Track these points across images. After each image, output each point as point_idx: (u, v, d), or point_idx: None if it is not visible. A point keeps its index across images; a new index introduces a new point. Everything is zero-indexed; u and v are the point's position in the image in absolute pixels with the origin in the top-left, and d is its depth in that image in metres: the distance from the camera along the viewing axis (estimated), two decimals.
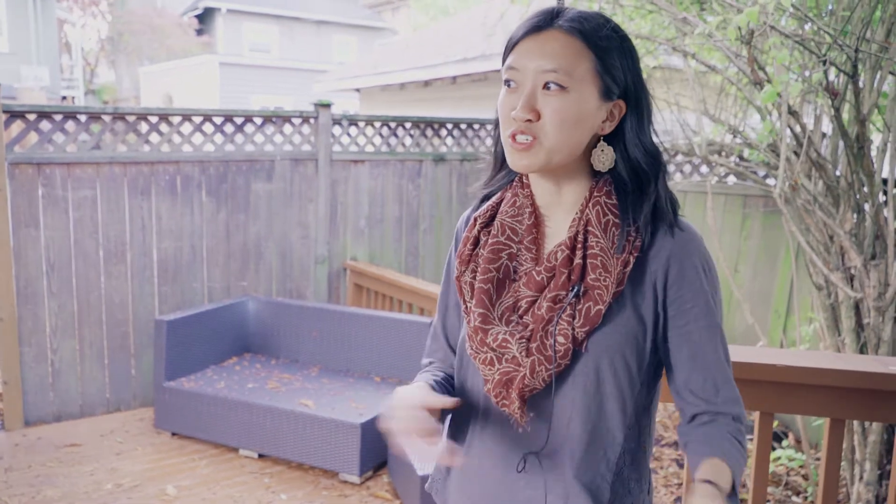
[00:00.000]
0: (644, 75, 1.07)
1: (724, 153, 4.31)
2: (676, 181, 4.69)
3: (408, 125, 5.09)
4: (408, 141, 5.13)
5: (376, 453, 3.48)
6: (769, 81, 2.78)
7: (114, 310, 4.15)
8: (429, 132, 5.21)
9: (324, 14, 21.31)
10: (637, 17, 4.28)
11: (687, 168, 4.71)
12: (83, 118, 3.97)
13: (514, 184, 1.13)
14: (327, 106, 4.66)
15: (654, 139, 1.07)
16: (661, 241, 1.04)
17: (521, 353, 1.03)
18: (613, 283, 1.01)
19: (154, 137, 4.20)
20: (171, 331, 3.83)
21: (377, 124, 4.97)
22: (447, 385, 1.20)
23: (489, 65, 6.81)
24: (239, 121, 4.42)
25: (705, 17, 3.37)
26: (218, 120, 4.36)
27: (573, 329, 1.01)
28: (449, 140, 5.36)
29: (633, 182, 1.05)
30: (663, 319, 1.05)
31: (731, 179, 4.47)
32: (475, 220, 1.14)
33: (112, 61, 26.01)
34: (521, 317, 1.06)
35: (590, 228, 1.03)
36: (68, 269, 4.01)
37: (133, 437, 3.90)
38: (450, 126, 5.33)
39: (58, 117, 3.89)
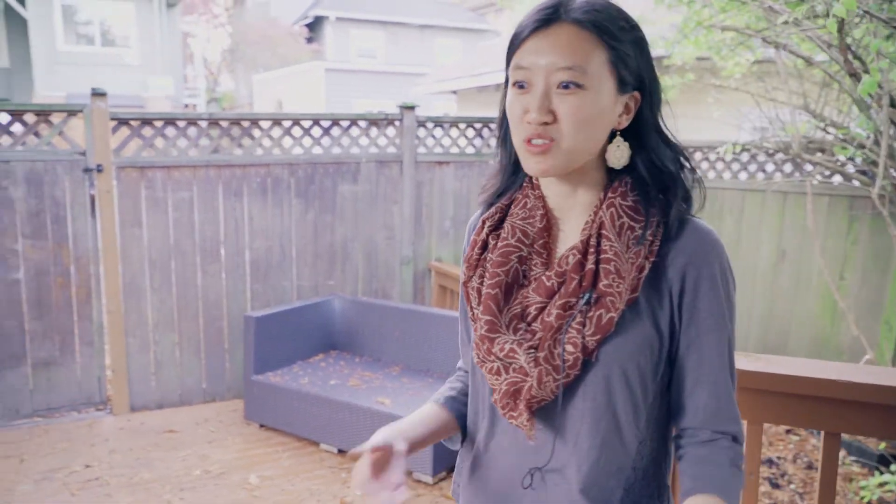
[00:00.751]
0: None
1: (825, 151, 4.03)
2: (775, 180, 4.43)
3: (493, 126, 5.06)
4: (493, 142, 5.11)
5: (450, 454, 3.49)
6: (867, 72, 2.58)
7: (209, 306, 4.38)
8: None
9: (428, 18, 21.61)
10: (731, 9, 4.09)
11: (788, 167, 4.44)
12: (182, 124, 4.21)
13: (525, 185, 1.08)
14: (412, 108, 4.72)
15: (666, 132, 1.01)
16: (679, 246, 0.98)
17: (528, 363, 0.97)
18: (627, 290, 0.95)
19: (246, 141, 4.40)
20: (260, 327, 3.99)
21: (462, 126, 4.99)
22: (465, 396, 1.18)
23: None
24: (326, 124, 4.55)
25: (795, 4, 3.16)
26: (306, 123, 4.50)
27: (583, 337, 0.95)
28: None
29: (655, 180, 0.99)
30: (678, 328, 1.00)
31: (837, 179, 4.18)
32: (483, 222, 1.09)
33: (232, 70, 27.46)
34: (529, 324, 1.01)
35: (603, 231, 0.97)
36: (168, 266, 4.26)
37: (225, 427, 4.09)
38: None
39: (159, 123, 4.15)
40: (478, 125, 5.01)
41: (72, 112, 3.99)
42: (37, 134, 3.97)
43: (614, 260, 0.95)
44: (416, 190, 4.86)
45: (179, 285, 4.30)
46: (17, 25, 16.34)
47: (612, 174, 1.01)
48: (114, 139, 4.06)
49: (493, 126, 5.09)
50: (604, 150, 0.99)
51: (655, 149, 0.99)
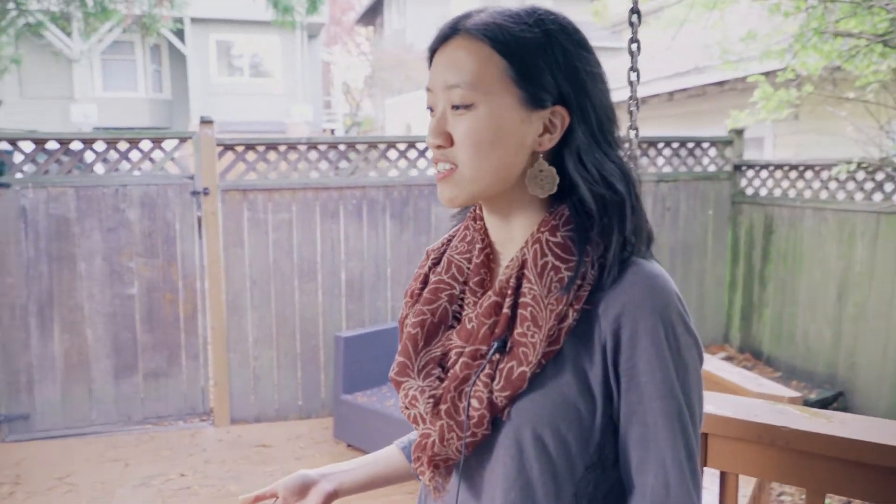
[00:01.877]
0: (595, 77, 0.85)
1: None
2: (874, 202, 3.94)
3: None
4: None
5: None
6: None
7: (306, 324, 4.49)
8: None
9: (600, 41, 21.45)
10: (858, 14, 3.70)
11: (889, 186, 3.95)
12: (283, 149, 4.37)
13: (469, 214, 0.97)
14: None
15: (614, 154, 0.86)
16: (615, 293, 0.81)
17: (427, 414, 0.87)
18: (543, 341, 0.81)
19: (343, 164, 4.49)
20: (349, 346, 4.04)
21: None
22: None
23: (704, 78, 6.32)
24: (422, 146, 4.56)
25: None
26: (402, 146, 4.54)
27: (491, 392, 0.83)
28: (644, 160, 5.05)
29: (597, 212, 0.84)
30: (617, 392, 0.82)
31: None
32: (427, 254, 1.00)
33: (371, 96, 28.65)
34: (445, 371, 0.90)
35: (525, 272, 0.85)
36: (267, 285, 4.42)
37: (314, 444, 4.16)
38: (644, 145, 5.02)
39: (261, 148, 4.33)
40: None
41: (182, 139, 4.25)
42: (151, 160, 4.26)
43: (531, 305, 0.83)
44: None
45: (278, 303, 4.44)
46: (179, 61, 17.91)
47: (554, 204, 0.87)
48: (220, 164, 4.28)
49: None
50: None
51: (593, 175, 0.84)
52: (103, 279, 4.21)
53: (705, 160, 5.25)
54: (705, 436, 1.46)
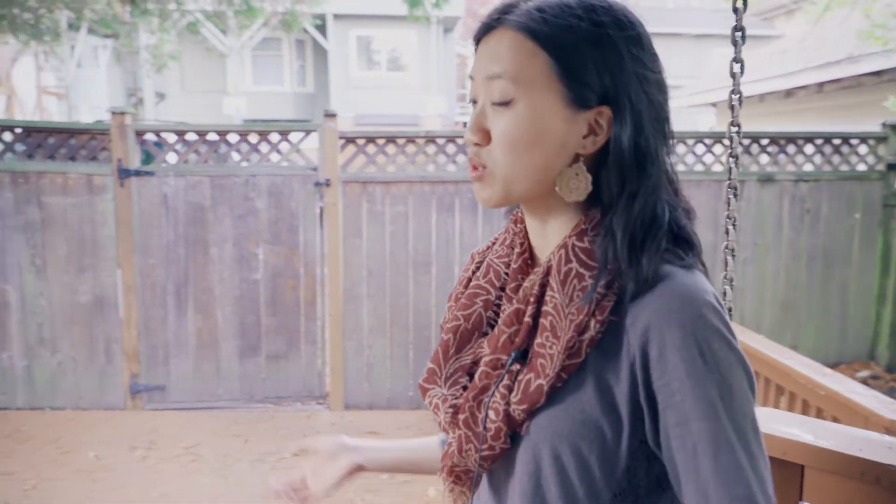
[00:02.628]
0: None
1: None
2: None
3: (726, 142, 4.59)
4: (763, 158, 4.67)
5: None
6: None
7: (419, 315, 4.55)
8: (754, 148, 4.63)
9: (704, 27, 20.42)
10: None
11: None
12: (401, 142, 4.44)
13: (511, 217, 0.92)
14: None
15: (658, 157, 0.79)
16: (643, 304, 0.74)
17: (447, 423, 0.84)
18: (561, 353, 0.75)
19: (461, 158, 4.50)
20: None
21: (690, 142, 4.59)
22: None
23: (857, 68, 5.79)
24: None
25: None
26: None
27: (508, 405, 0.78)
28: (782, 157, 4.70)
29: (632, 219, 0.78)
30: (650, 413, 0.74)
31: None
32: (472, 257, 0.96)
33: None
34: (472, 379, 0.86)
35: (549, 278, 0.80)
36: (383, 276, 4.51)
37: (422, 435, 4.19)
38: (782, 142, 4.67)
39: (381, 141, 4.42)
40: (709, 141, 4.58)
41: (308, 131, 4.42)
42: (278, 151, 4.47)
43: (552, 314, 0.78)
44: None
45: (392, 294, 4.53)
46: (321, 56, 18.71)
47: (591, 208, 0.81)
48: (341, 156, 4.42)
49: (745, 141, 4.61)
50: None
51: (629, 180, 0.77)
52: (232, 264, 4.47)
53: (853, 158, 4.80)
54: (801, 468, 1.33)
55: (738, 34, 1.55)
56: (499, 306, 0.88)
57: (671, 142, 0.81)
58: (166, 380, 4.50)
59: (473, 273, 0.94)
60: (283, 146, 4.47)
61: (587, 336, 0.75)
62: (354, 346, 4.55)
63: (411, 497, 3.46)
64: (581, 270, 0.78)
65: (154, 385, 4.49)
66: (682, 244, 0.79)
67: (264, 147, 4.46)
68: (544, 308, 0.79)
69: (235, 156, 4.64)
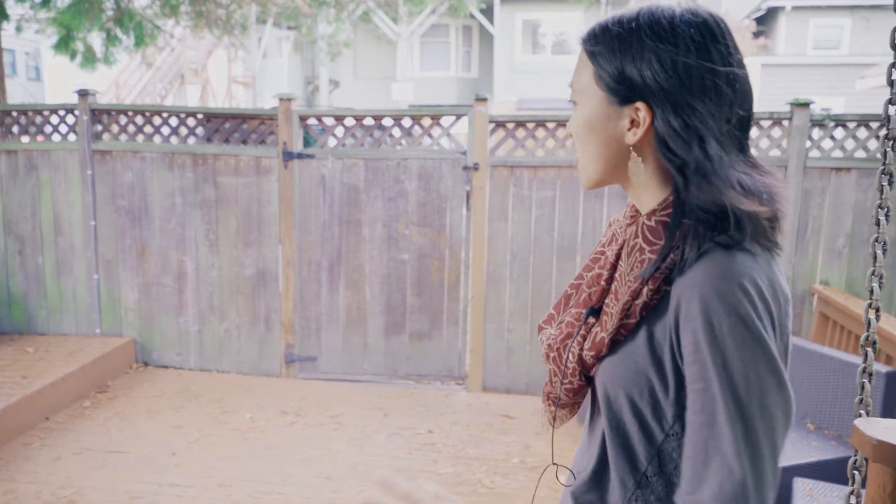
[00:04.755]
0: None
1: None
2: None
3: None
4: None
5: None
6: None
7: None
8: None
9: None
10: None
11: None
12: (551, 125, 4.36)
13: None
14: (805, 105, 4.07)
15: (709, 145, 0.86)
16: (686, 278, 0.85)
17: (544, 358, 1.04)
18: (619, 313, 0.90)
19: None
20: None
21: (874, 125, 4.11)
22: None
23: None
24: None
25: None
26: None
27: (582, 350, 0.96)
28: None
29: (688, 199, 0.88)
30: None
31: None
32: (610, 224, 1.10)
33: None
34: None
35: (622, 251, 0.96)
36: (527, 260, 4.48)
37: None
38: None
39: (531, 125, 4.37)
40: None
41: (458, 115, 4.46)
42: (430, 135, 4.55)
43: (617, 280, 0.94)
44: (804, 199, 4.19)
45: (535, 279, 4.48)
46: (487, 41, 18.83)
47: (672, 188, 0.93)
48: (491, 140, 4.42)
49: None
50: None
51: (684, 165, 0.87)
52: (382, 243, 4.63)
53: None
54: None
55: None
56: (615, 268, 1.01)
57: (721, 130, 0.87)
58: (318, 351, 4.77)
59: (607, 241, 1.07)
60: (436, 130, 4.54)
61: (640, 301, 0.89)
62: (495, 329, 4.56)
63: (541, 482, 3.42)
64: (643, 245, 0.91)
65: (306, 356, 4.78)
66: (739, 224, 0.85)
67: (417, 131, 4.56)
68: (615, 274, 0.95)
69: (389, 140, 4.79)
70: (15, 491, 3.29)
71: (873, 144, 4.14)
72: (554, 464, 1.09)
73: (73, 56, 7.84)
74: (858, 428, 1.19)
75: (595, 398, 1.00)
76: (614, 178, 0.96)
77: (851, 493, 1.29)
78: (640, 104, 0.89)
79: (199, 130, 4.90)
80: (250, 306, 4.82)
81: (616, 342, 0.91)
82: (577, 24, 17.93)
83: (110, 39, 8.19)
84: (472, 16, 17.97)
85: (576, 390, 1.00)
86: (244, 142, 4.75)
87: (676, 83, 0.87)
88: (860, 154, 4.17)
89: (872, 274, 1.38)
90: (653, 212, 0.92)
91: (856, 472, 1.28)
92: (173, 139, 4.88)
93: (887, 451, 1.15)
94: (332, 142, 4.77)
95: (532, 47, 18.62)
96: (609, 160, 0.94)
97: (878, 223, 1.40)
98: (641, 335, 0.90)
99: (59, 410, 4.17)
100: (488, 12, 18.06)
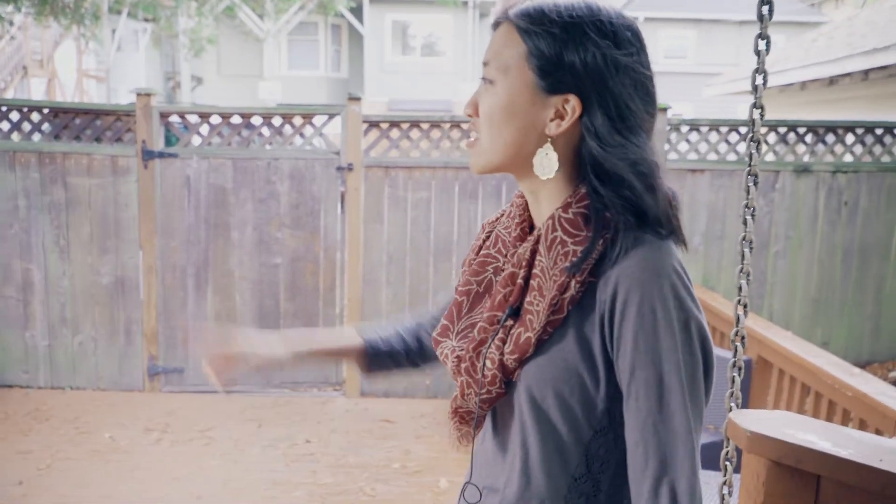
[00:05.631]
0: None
1: None
2: None
3: (782, 130, 4.43)
4: (763, 148, 4.46)
5: None
6: None
7: (438, 302, 4.47)
8: (791, 138, 4.44)
9: (748, 14, 19.86)
10: None
11: None
12: (425, 126, 4.35)
13: (516, 192, 1.04)
14: (664, 110, 4.31)
15: (636, 140, 0.88)
16: (618, 268, 0.85)
17: (452, 370, 0.97)
18: (546, 309, 0.88)
19: None
20: None
21: (723, 129, 4.42)
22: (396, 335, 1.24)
23: None
24: None
25: None
26: None
27: (502, 355, 0.91)
28: (820, 147, 4.50)
29: (613, 191, 0.88)
30: (616, 360, 0.87)
31: None
32: (483, 227, 1.09)
33: None
34: None
35: (538, 245, 0.92)
36: (403, 262, 4.45)
37: (435, 426, 4.14)
38: (821, 131, 4.47)
39: (405, 126, 4.35)
40: (743, 129, 4.40)
41: (331, 115, 4.36)
42: (301, 135, 4.42)
43: (539, 276, 0.90)
44: None
45: (413, 280, 4.46)
46: (357, 41, 18.66)
47: (581, 181, 0.92)
48: (364, 140, 4.35)
49: (782, 130, 4.44)
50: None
51: (606, 159, 0.88)
52: (252, 248, 4.44)
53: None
54: (817, 478, 1.23)
55: (766, 8, 1.44)
56: (503, 271, 0.99)
57: (647, 132, 0.90)
58: (184, 362, 4.51)
59: (484, 242, 1.05)
60: (307, 130, 4.42)
61: (568, 295, 0.87)
62: None
63: (422, 487, 3.40)
64: (564, 238, 0.89)
65: (172, 367, 4.50)
66: (658, 221, 0.87)
67: (288, 130, 4.42)
68: (534, 271, 0.91)
69: (259, 139, 4.60)
70: None
71: (723, 147, 4.45)
72: (471, 484, 1.03)
73: None
74: (733, 420, 1.23)
75: (507, 405, 0.96)
76: (515, 165, 0.93)
77: (724, 483, 1.34)
78: (570, 96, 0.88)
79: (46, 127, 4.49)
80: (108, 317, 4.47)
81: (541, 341, 0.89)
82: (446, 26, 18.18)
83: None
84: (341, 15, 17.75)
85: (493, 400, 0.95)
86: (98, 140, 4.40)
87: (617, 80, 0.87)
88: (712, 156, 4.46)
89: (741, 271, 1.45)
90: (567, 204, 0.90)
91: (727, 462, 1.34)
92: (15, 136, 4.44)
93: (761, 442, 1.20)
94: (196, 140, 4.52)
95: (402, 48, 18.66)
96: (519, 147, 0.91)
97: (745, 222, 1.46)
98: (569, 330, 0.88)
99: None
100: (357, 11, 17.91)
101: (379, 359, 1.22)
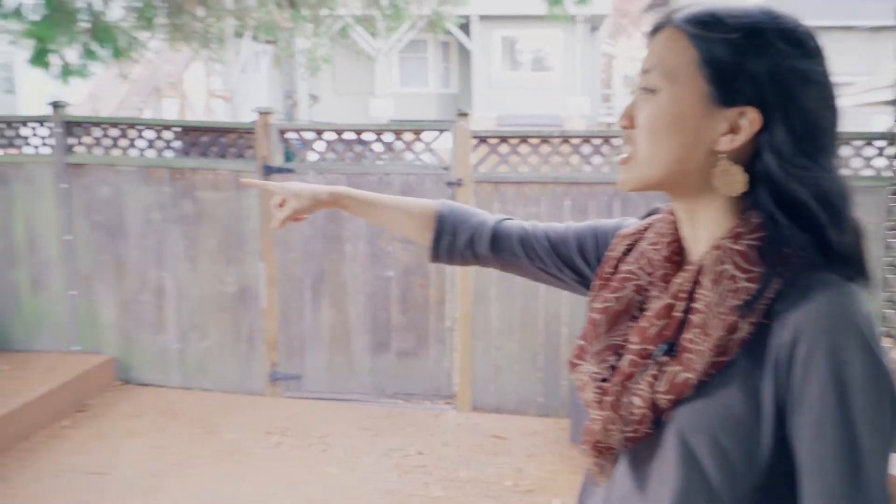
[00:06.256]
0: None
1: None
2: None
3: None
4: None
5: None
6: None
7: (549, 320, 4.44)
8: None
9: (880, 19, 18.63)
10: None
11: None
12: (535, 142, 4.35)
13: (667, 207, 0.96)
14: None
15: (823, 165, 0.79)
16: (796, 309, 0.76)
17: (593, 402, 0.89)
18: (711, 350, 0.79)
19: (596, 159, 4.33)
20: None
21: (858, 143, 4.14)
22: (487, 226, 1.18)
23: None
24: None
25: None
26: None
27: (654, 393, 0.82)
28: None
29: (792, 221, 0.79)
30: (791, 412, 0.77)
31: None
32: (619, 238, 1.00)
33: None
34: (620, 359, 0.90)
35: (701, 277, 0.83)
36: (513, 278, 4.41)
37: (548, 444, 4.09)
38: None
39: (514, 141, 4.36)
40: (881, 142, 4.11)
41: (441, 130, 4.44)
42: (411, 150, 4.51)
43: (703, 312, 0.81)
44: None
45: (523, 297, 4.44)
46: (466, 57, 18.90)
47: (746, 210, 0.83)
48: (474, 155, 4.39)
49: None
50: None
51: (789, 184, 0.79)
52: (365, 261, 4.57)
53: None
54: None
55: None
56: (647, 291, 0.92)
57: (834, 153, 0.81)
58: (302, 370, 4.68)
59: (623, 256, 0.97)
60: (418, 146, 4.51)
61: (737, 336, 0.78)
62: (483, 347, 4.51)
63: None
64: (735, 272, 0.80)
65: (291, 374, 4.69)
66: (842, 257, 0.79)
67: (399, 146, 4.53)
68: (694, 305, 0.82)
69: (370, 155, 4.74)
70: None
71: (857, 162, 4.18)
72: None
73: (47, 67, 7.72)
74: None
75: (652, 443, 0.86)
76: (673, 183, 0.85)
77: None
78: (749, 109, 0.79)
79: (177, 144, 4.82)
80: (233, 324, 4.72)
81: (700, 383, 0.80)
82: (555, 41, 18.10)
83: (87, 52, 8.08)
84: (450, 32, 18.05)
85: (638, 439, 0.85)
86: (222, 156, 4.67)
87: (806, 93, 0.78)
88: (845, 172, 4.19)
89: (887, 300, 1.36)
90: (737, 234, 0.81)
91: None
92: (150, 153, 4.79)
93: None
94: (312, 156, 4.71)
95: (511, 64, 18.74)
96: (682, 163, 0.82)
97: (887, 245, 1.38)
98: (734, 374, 0.79)
99: (37, 430, 4.04)
100: (466, 28, 18.15)
101: (444, 234, 1.18)
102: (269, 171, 4.53)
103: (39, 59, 7.51)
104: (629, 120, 0.86)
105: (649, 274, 0.92)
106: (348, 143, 4.59)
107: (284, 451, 3.91)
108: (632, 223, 1.05)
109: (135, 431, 4.10)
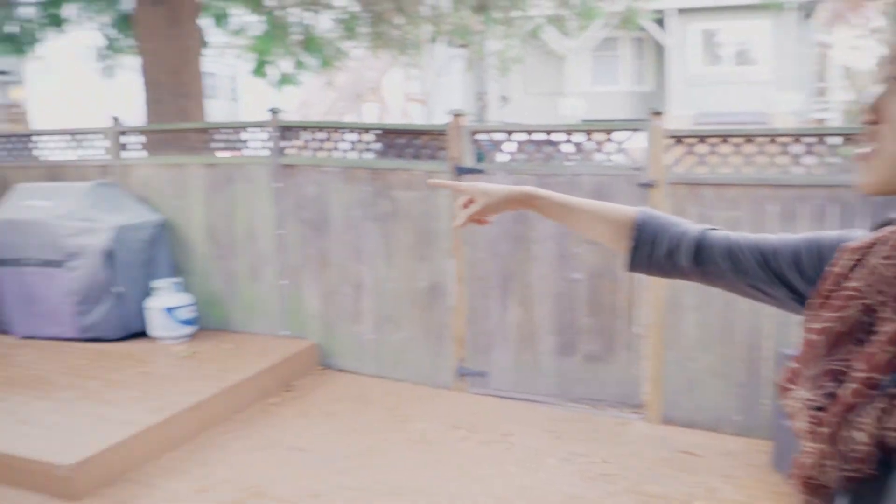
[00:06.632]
0: None
1: None
2: None
3: None
4: None
5: None
6: None
7: (752, 333, 4.13)
8: None
9: None
10: None
11: None
12: (737, 140, 4.07)
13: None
14: None
15: None
16: None
17: (806, 432, 0.79)
18: None
19: (808, 160, 3.97)
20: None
21: None
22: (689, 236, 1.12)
23: None
24: None
25: None
26: None
27: (882, 430, 0.71)
28: None
29: None
30: None
31: None
32: (842, 251, 0.86)
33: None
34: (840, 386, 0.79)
35: None
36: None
37: (746, 467, 3.79)
38: None
39: (713, 140, 4.11)
40: None
41: (633, 130, 4.30)
42: (602, 150, 4.41)
43: None
44: None
45: (722, 307, 4.18)
46: (660, 53, 18.19)
47: None
48: (668, 156, 4.20)
49: None
50: None
51: None
52: (552, 262, 4.54)
53: None
54: None
55: None
56: (877, 312, 0.79)
57: None
58: (488, 367, 4.76)
59: (848, 272, 0.84)
60: (609, 146, 4.40)
61: None
62: (675, 358, 4.30)
63: None
64: None
65: (477, 371, 4.78)
66: None
67: (589, 146, 4.45)
68: None
69: (559, 155, 4.70)
70: (208, 477, 3.55)
71: None
72: None
73: (265, 77, 8.54)
74: None
75: (874, 486, 0.76)
76: None
77: None
78: None
79: (377, 146, 5.10)
80: (423, 319, 4.91)
81: None
82: (762, 31, 16.87)
83: (298, 63, 8.81)
84: (643, 28, 17.45)
85: (859, 479, 0.76)
86: (417, 157, 4.86)
87: None
88: None
89: None
90: None
91: None
92: (351, 154, 5.11)
93: None
94: (502, 157, 4.77)
95: (710, 58, 17.75)
96: None
97: None
98: None
99: (251, 403, 4.48)
100: (661, 23, 17.45)
101: (643, 244, 1.13)
102: (460, 171, 4.65)
103: (259, 70, 8.33)
104: (877, 114, 0.75)
105: (880, 292, 0.80)
106: (538, 143, 4.59)
107: (469, 445, 4.00)
108: (858, 235, 0.91)
109: (333, 413, 4.40)
